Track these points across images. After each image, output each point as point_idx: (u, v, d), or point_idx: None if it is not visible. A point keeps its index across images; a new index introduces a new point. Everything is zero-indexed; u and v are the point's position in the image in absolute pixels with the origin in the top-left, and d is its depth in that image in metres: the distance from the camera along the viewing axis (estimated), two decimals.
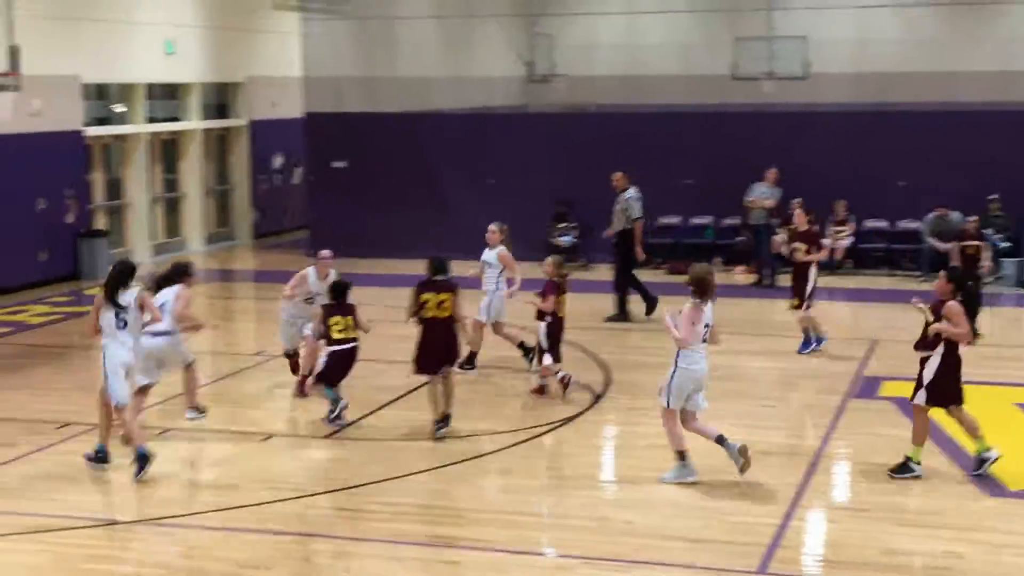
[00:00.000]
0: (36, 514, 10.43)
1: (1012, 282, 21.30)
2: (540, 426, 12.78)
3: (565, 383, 13.95)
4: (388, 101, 25.89)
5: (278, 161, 28.45)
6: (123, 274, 11.34)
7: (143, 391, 12.19)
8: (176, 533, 10.01)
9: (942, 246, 21.66)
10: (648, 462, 11.65)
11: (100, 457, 11.50)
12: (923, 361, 11.20)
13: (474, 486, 11.18)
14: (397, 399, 13.76)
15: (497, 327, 15.24)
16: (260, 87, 27.82)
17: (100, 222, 23.86)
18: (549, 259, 14.26)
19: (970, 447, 11.42)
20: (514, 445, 12.26)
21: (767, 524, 10.04)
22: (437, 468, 11.56)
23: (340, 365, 12.87)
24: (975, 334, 11.28)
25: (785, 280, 18.33)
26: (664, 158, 23.41)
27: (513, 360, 15.25)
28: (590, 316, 18.13)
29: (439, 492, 11.01)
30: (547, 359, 13.91)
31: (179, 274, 12.79)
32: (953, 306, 11.00)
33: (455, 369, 12.99)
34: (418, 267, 14.72)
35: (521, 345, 15.10)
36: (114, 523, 10.19)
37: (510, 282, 15.07)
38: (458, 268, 13.28)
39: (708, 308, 11.04)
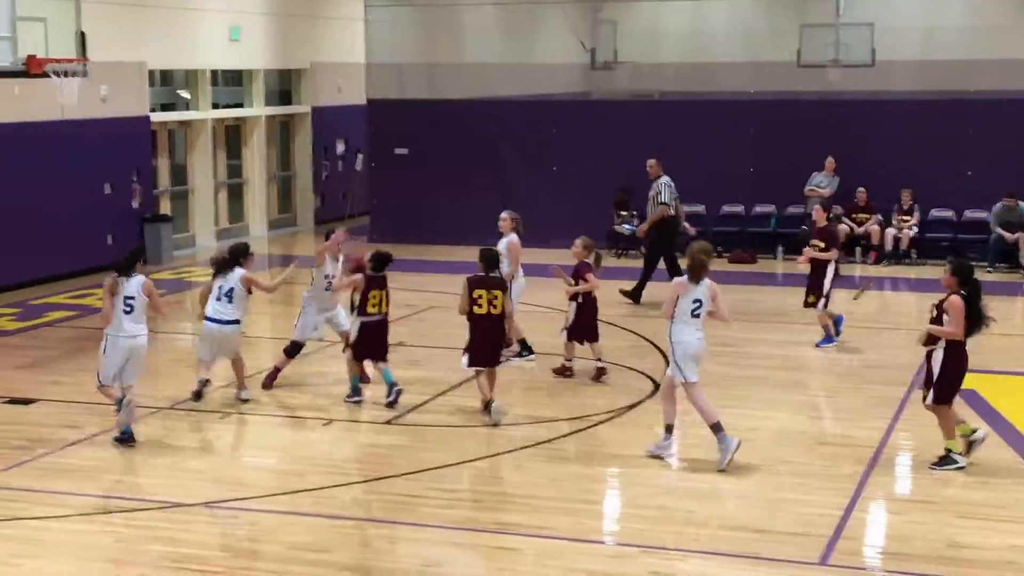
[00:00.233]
0: (101, 495, 10.55)
1: None
2: (600, 414, 12.75)
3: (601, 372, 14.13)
4: (450, 88, 25.90)
5: (340, 147, 28.57)
6: (135, 256, 11.82)
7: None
8: (238, 516, 10.08)
9: (1010, 236, 21.39)
10: (709, 452, 11.58)
11: (125, 438, 11.81)
12: (929, 355, 11.07)
13: (533, 473, 11.17)
14: (457, 386, 13.77)
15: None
16: (323, 73, 27.94)
17: (165, 207, 24.07)
18: (578, 241, 14.27)
19: (951, 445, 11.17)
20: (573, 433, 12.24)
21: (829, 515, 9.95)
22: (496, 455, 11.57)
23: (370, 338, 12.92)
24: (984, 323, 10.97)
25: (843, 269, 18.16)
26: (727, 146, 23.28)
27: (578, 350, 15.23)
28: (651, 305, 18.05)
29: (498, 479, 11.01)
30: (564, 336, 14.09)
31: (241, 254, 13.02)
32: (954, 300, 10.87)
33: (515, 362, 13.28)
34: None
35: (522, 341, 15.08)
36: (178, 505, 10.28)
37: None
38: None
39: (702, 286, 11.18)
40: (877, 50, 24.98)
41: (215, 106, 25.31)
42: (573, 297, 14.04)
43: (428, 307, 18.14)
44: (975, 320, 10.91)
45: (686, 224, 18.78)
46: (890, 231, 22.52)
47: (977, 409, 12.88)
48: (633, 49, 29.65)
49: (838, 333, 15.92)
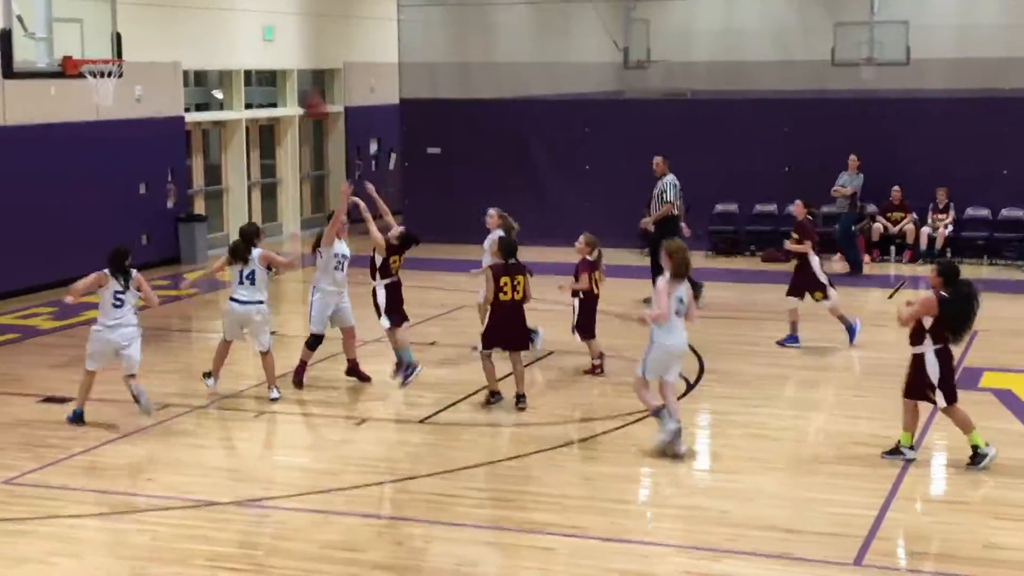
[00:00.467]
0: (135, 494, 10.62)
1: None
2: (632, 413, 12.72)
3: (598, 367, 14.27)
4: (483, 87, 25.92)
5: (373, 147, 28.64)
6: (121, 256, 12.28)
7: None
8: (272, 515, 10.12)
9: None
10: (743, 451, 11.56)
11: (76, 416, 12.45)
12: (915, 358, 11.04)
13: (567, 473, 11.16)
14: (498, 380, 13.77)
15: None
16: (356, 73, 28.01)
17: (199, 207, 24.19)
18: (581, 238, 14.39)
19: (902, 437, 11.24)
20: (606, 432, 12.23)
21: (863, 516, 9.90)
22: (529, 454, 11.56)
23: (396, 297, 13.52)
24: (963, 331, 10.97)
25: (872, 268, 18.06)
26: (761, 145, 23.22)
27: (611, 349, 15.21)
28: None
29: (531, 478, 11.00)
30: (577, 337, 14.30)
31: (254, 235, 13.33)
32: (927, 298, 10.91)
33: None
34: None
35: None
36: (211, 504, 10.33)
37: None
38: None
39: (683, 285, 11.36)
40: (911, 48, 24.87)
41: (249, 106, 25.41)
42: (575, 294, 14.25)
43: (460, 306, 18.17)
44: (958, 324, 10.88)
45: (683, 224, 18.75)
46: (925, 230, 22.39)
47: (1012, 408, 12.80)
48: (666, 48, 29.61)
49: (794, 340, 15.75)
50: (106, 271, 12.29)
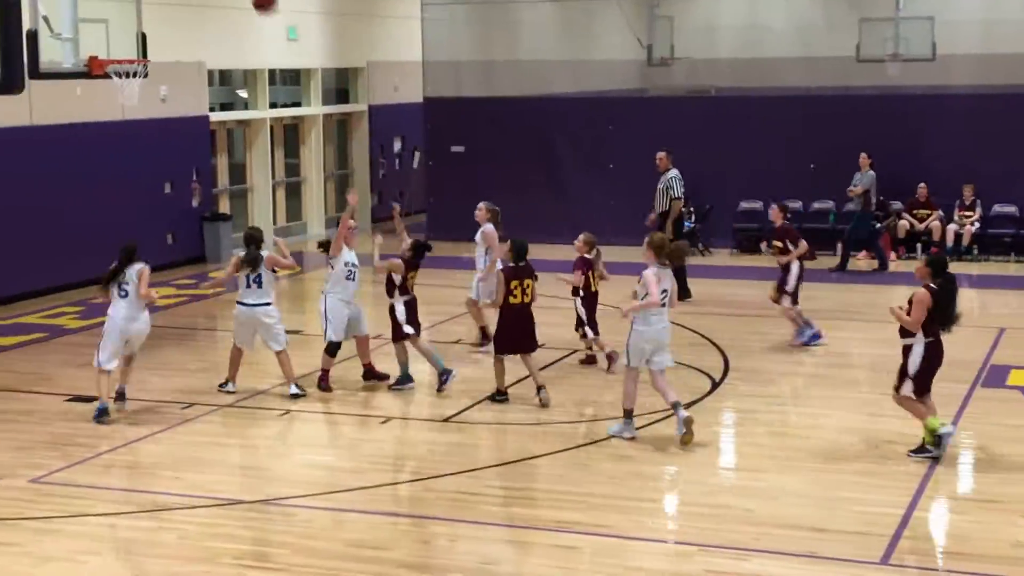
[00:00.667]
0: (162, 492, 10.65)
1: None
2: (658, 412, 12.70)
3: (611, 359, 14.23)
4: (506, 85, 25.92)
5: (397, 145, 28.67)
6: (130, 252, 12.87)
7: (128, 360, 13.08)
8: (297, 513, 10.14)
9: None
10: (769, 450, 11.54)
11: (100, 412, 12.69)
12: (906, 349, 11.10)
13: (592, 471, 11.15)
14: (515, 383, 13.77)
15: (488, 307, 15.35)
16: (380, 72, 28.04)
17: (223, 206, 24.26)
18: (581, 236, 14.50)
19: (927, 434, 11.19)
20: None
21: (891, 514, 9.86)
22: (554, 453, 11.56)
23: (414, 312, 13.51)
24: (952, 320, 11.12)
25: (898, 266, 17.98)
26: (785, 142, 23.15)
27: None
28: (709, 302, 17.98)
29: (557, 476, 11.00)
30: (590, 332, 14.42)
31: (260, 239, 13.56)
32: (920, 293, 10.96)
33: (480, 351, 14.65)
34: (537, 251, 14.79)
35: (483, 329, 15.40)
36: (237, 502, 10.36)
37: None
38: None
39: (668, 274, 11.68)
40: (937, 44, 24.74)
41: (273, 105, 25.47)
42: (575, 292, 14.39)
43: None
44: (945, 315, 11.00)
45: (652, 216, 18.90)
46: (952, 227, 22.28)
47: None
48: (690, 45, 29.54)
49: (810, 339, 15.64)
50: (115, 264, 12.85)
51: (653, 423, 12.40)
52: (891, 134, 22.53)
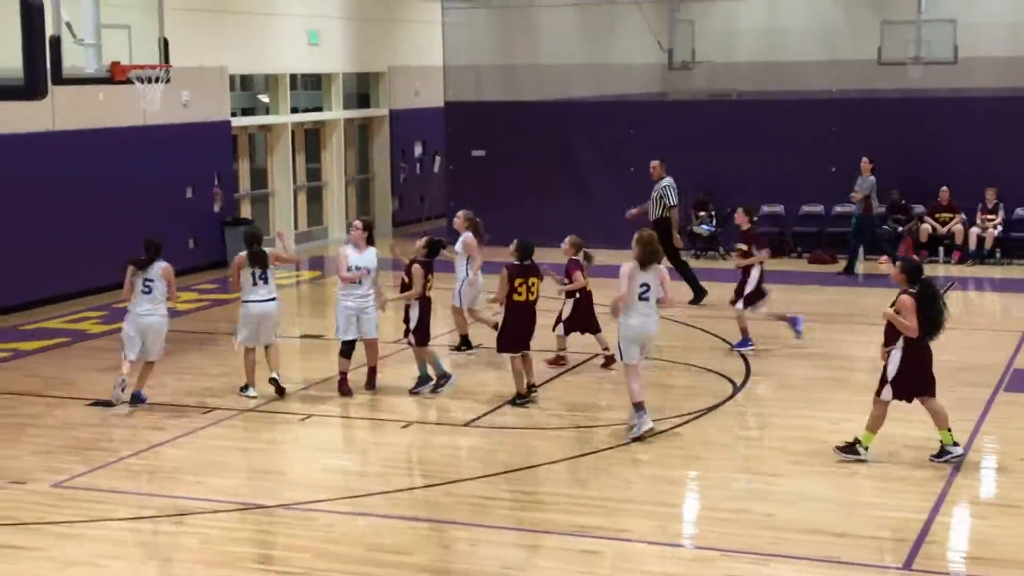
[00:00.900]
0: (183, 497, 10.67)
1: None
2: (678, 416, 12.68)
3: (609, 360, 14.47)
4: (527, 89, 25.93)
5: (418, 150, 28.71)
6: (154, 247, 13.39)
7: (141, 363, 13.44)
8: (318, 518, 10.15)
9: None
10: (789, 455, 11.50)
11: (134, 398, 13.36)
12: (888, 355, 11.12)
13: (613, 476, 11.14)
14: (537, 387, 13.77)
15: (472, 312, 15.57)
16: (401, 76, 28.08)
17: (245, 211, 24.33)
18: (567, 239, 14.70)
19: (944, 437, 11.18)
20: (653, 435, 12.17)
21: (913, 519, 9.82)
22: (575, 457, 11.55)
23: (427, 315, 13.56)
24: (938, 327, 11.06)
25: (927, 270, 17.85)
26: (807, 146, 23.09)
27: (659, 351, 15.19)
28: (716, 305, 17.95)
29: (577, 481, 10.99)
30: (560, 329, 14.71)
31: (261, 237, 13.87)
32: (904, 300, 10.97)
33: (464, 353, 15.14)
34: (557, 255, 14.79)
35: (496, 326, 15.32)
36: (259, 507, 10.38)
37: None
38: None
39: (649, 272, 11.88)
40: (959, 46, 24.64)
41: (294, 110, 25.53)
42: (569, 294, 14.54)
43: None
44: (931, 321, 10.97)
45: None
46: (974, 230, 22.19)
47: None
48: (711, 48, 29.47)
49: (798, 334, 15.61)
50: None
51: (673, 428, 12.38)
52: (913, 137, 22.46)
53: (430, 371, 13.71)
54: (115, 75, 13.31)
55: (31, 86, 9.77)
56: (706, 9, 29.96)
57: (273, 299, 13.66)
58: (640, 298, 11.88)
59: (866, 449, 11.18)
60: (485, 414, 12.95)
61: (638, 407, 11.95)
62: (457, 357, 15.35)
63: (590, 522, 9.93)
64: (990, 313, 19.37)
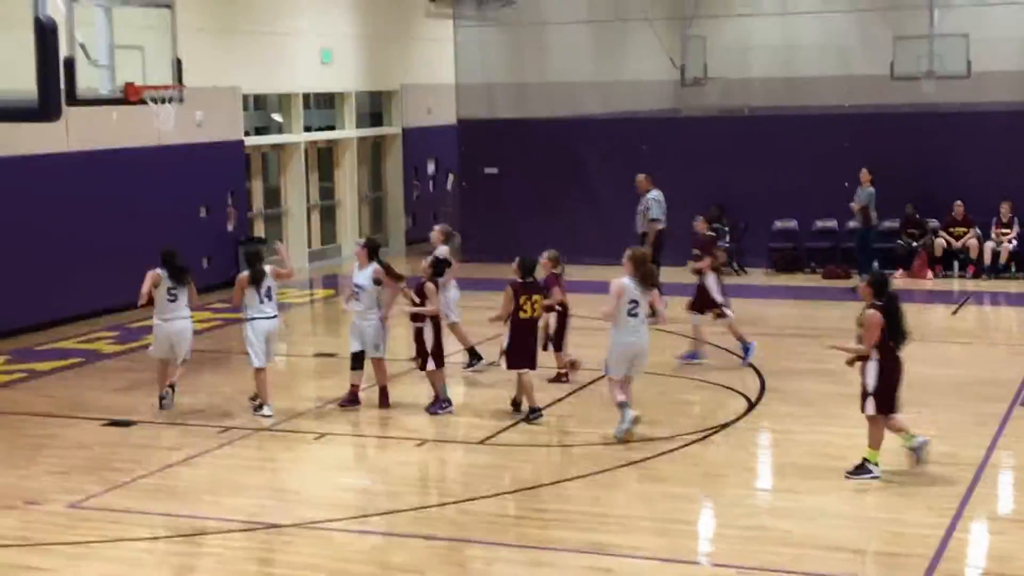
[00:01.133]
0: (198, 516, 10.67)
1: None
2: (694, 433, 12.65)
3: (574, 366, 14.77)
4: (539, 107, 25.96)
5: (431, 168, 28.75)
6: (175, 257, 14.02)
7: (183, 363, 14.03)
8: (333, 537, 10.14)
9: None
10: (805, 471, 11.45)
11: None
12: (862, 367, 11.13)
13: (628, 493, 11.11)
14: (550, 405, 13.76)
15: (452, 326, 15.45)
16: (413, 94, 28.13)
17: (259, 229, 24.37)
18: (545, 254, 14.62)
19: (903, 442, 11.25)
20: (668, 452, 12.15)
21: (930, 535, 9.77)
22: (591, 475, 11.52)
23: (440, 336, 13.59)
24: (903, 337, 11.10)
25: (936, 284, 17.84)
26: (820, 161, 23.05)
27: (670, 367, 15.17)
28: (745, 321, 17.87)
29: (592, 498, 10.96)
30: (551, 347, 14.69)
31: (261, 256, 14.14)
32: (869, 315, 11.02)
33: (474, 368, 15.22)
34: (571, 272, 14.79)
35: (471, 350, 15.55)
36: (274, 526, 10.37)
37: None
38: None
39: (635, 288, 12.15)
40: (972, 61, 24.62)
41: (307, 129, 25.59)
42: (550, 309, 14.53)
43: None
44: (895, 332, 11.02)
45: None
46: (989, 244, 22.12)
47: None
48: (723, 64, 29.50)
49: (743, 360, 15.51)
50: (158, 270, 13.86)
51: (688, 444, 12.34)
52: (926, 152, 22.42)
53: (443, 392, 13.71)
54: (129, 96, 13.34)
55: (46, 107, 9.81)
56: (718, 25, 30.00)
57: (277, 316, 13.92)
58: (629, 315, 12.15)
59: (876, 465, 11.13)
60: (499, 432, 12.93)
61: (622, 405, 12.29)
62: (468, 374, 15.30)
63: (606, 540, 9.90)
64: (1006, 328, 19.30)
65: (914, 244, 22.24)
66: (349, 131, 26.64)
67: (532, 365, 13.35)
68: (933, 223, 22.58)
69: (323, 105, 26.75)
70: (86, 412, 14.13)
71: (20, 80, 10.25)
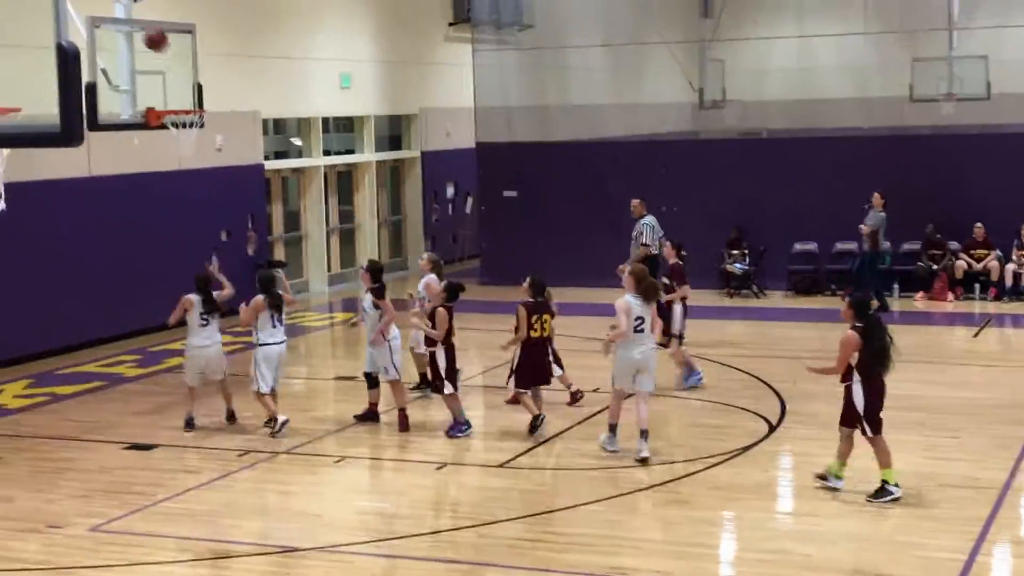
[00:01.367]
0: (219, 540, 10.69)
1: None
2: (714, 456, 12.62)
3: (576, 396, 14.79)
4: (558, 130, 26.01)
5: (450, 191, 28.81)
6: (209, 283, 14.42)
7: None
8: (353, 561, 10.14)
9: None
10: (826, 494, 11.40)
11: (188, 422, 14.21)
12: (845, 389, 11.19)
13: (648, 516, 11.09)
14: (568, 429, 13.74)
15: (412, 352, 15.39)
16: (432, 118, 28.23)
17: (279, 253, 24.44)
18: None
19: (831, 464, 11.35)
20: (688, 475, 12.12)
21: (953, 559, 9.72)
22: (611, 498, 11.50)
23: (453, 360, 13.58)
24: (887, 360, 11.07)
25: (957, 306, 17.76)
26: (839, 183, 23.01)
27: (690, 391, 15.14)
28: (765, 344, 17.88)
29: (613, 522, 10.93)
30: (558, 370, 14.57)
31: (276, 281, 14.28)
32: (846, 335, 11.04)
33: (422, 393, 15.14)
34: (590, 295, 14.76)
35: (423, 375, 15.26)
36: (292, 550, 10.37)
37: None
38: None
39: (640, 304, 12.39)
40: (992, 83, 24.60)
41: (327, 153, 25.68)
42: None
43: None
44: (879, 355, 11.01)
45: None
46: (1010, 267, 22.05)
47: None
48: (741, 87, 29.58)
49: (685, 383, 15.48)
50: (191, 295, 14.14)
51: (708, 467, 12.31)
52: (946, 173, 22.37)
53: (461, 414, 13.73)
54: (150, 120, 13.42)
55: (68, 133, 9.84)
56: (736, 48, 30.08)
57: (285, 340, 14.13)
58: (636, 331, 12.38)
59: (896, 486, 11.09)
60: (518, 455, 12.92)
61: (611, 428, 12.67)
62: (485, 397, 15.35)
63: (626, 563, 9.87)
64: None
65: (934, 267, 22.17)
66: (368, 155, 26.73)
67: (546, 380, 13.70)
68: (954, 245, 22.52)
69: (342, 129, 26.86)
70: (108, 436, 14.17)
71: (42, 106, 10.32)
